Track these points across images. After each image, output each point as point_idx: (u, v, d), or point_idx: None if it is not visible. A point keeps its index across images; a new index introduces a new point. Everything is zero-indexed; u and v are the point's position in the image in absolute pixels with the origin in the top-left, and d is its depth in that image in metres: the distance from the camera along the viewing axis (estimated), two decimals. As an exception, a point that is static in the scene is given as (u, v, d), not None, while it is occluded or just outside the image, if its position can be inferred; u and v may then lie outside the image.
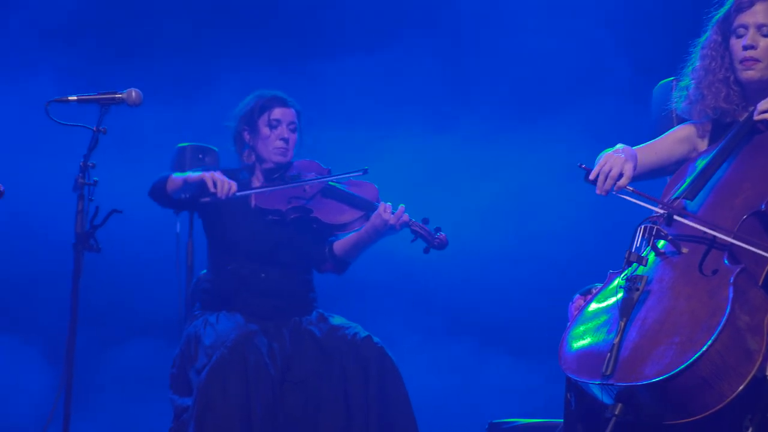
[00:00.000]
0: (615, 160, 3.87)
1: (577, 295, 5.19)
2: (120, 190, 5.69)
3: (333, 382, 4.93)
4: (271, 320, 5.06)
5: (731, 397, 3.41)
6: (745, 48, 3.93)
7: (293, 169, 5.26)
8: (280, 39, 7.65)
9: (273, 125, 5.22)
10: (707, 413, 3.42)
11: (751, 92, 3.97)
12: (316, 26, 7.68)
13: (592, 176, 3.88)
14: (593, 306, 3.77)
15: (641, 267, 3.69)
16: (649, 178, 4.12)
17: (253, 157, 5.28)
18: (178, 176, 5.09)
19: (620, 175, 3.84)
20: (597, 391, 3.55)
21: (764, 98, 3.88)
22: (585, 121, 7.23)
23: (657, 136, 4.16)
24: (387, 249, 5.50)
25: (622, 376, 3.46)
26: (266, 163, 5.25)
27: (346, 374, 4.93)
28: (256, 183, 5.27)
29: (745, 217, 3.67)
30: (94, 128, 4.63)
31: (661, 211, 3.78)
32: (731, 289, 3.48)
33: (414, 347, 7.14)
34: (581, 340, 3.67)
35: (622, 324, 3.54)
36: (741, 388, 3.40)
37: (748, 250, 3.60)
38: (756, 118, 3.85)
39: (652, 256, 3.73)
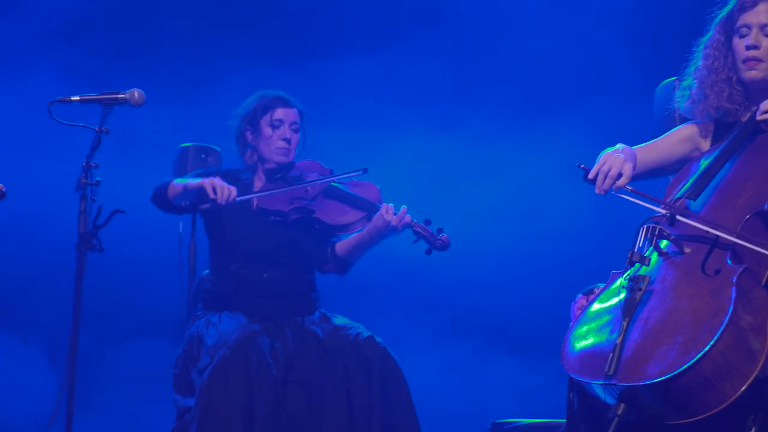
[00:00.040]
0: (614, 160, 3.87)
1: (580, 295, 5.19)
2: (123, 190, 5.70)
3: (335, 382, 4.93)
4: (274, 320, 5.06)
5: (734, 398, 3.41)
6: (748, 48, 3.93)
7: (295, 170, 5.25)
8: (282, 39, 7.65)
9: (275, 125, 5.22)
10: (710, 413, 3.42)
11: (754, 92, 3.97)
12: (318, 26, 7.68)
13: (591, 176, 3.89)
14: (596, 306, 3.77)
15: (644, 267, 3.70)
16: (651, 177, 4.12)
17: (256, 157, 5.28)
18: (178, 183, 5.08)
19: (619, 175, 3.85)
20: (600, 391, 3.55)
21: (767, 98, 3.88)
22: (587, 121, 7.22)
23: (659, 136, 4.16)
24: (389, 248, 5.49)
25: (625, 376, 3.46)
26: (268, 163, 5.25)
27: (349, 374, 4.93)
28: (258, 183, 5.27)
29: (748, 216, 3.67)
30: (97, 128, 4.63)
31: (664, 211, 3.78)
32: (734, 289, 3.48)
33: (417, 347, 7.13)
34: (584, 340, 3.67)
35: (625, 324, 3.55)
36: (744, 388, 3.40)
37: (751, 250, 3.60)
38: (759, 118, 3.85)
39: (654, 256, 3.73)
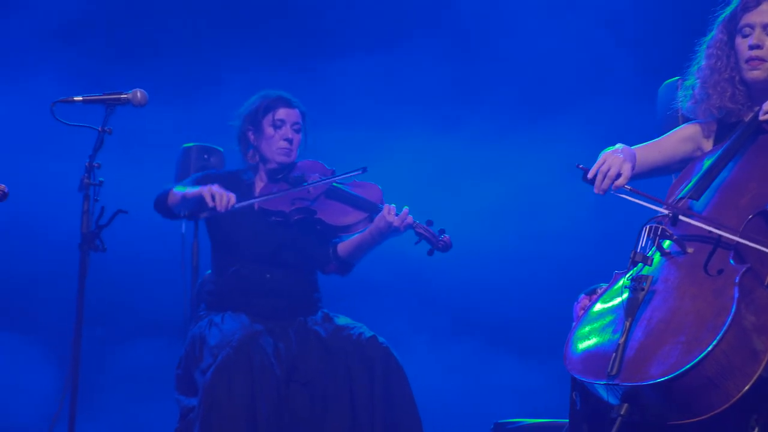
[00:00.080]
0: (613, 160, 3.87)
1: (582, 295, 5.18)
2: (125, 190, 5.70)
3: (338, 382, 4.93)
4: (276, 320, 5.06)
5: (737, 397, 3.41)
6: (751, 47, 3.93)
7: (297, 170, 5.25)
8: (282, 39, 7.65)
9: (277, 125, 5.22)
10: (713, 413, 3.42)
11: (757, 92, 3.97)
12: (319, 26, 7.68)
13: (590, 175, 3.89)
14: (598, 306, 3.77)
15: (646, 267, 3.70)
16: (653, 176, 4.12)
17: (257, 157, 5.28)
18: (178, 191, 5.07)
19: (618, 175, 3.85)
20: (602, 392, 3.55)
21: (770, 98, 3.89)
22: (587, 121, 7.22)
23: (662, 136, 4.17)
24: (392, 249, 5.49)
25: (628, 376, 3.46)
26: (270, 164, 5.25)
27: (352, 374, 4.93)
28: (259, 183, 5.27)
29: (750, 216, 3.67)
30: (100, 128, 4.64)
31: (666, 211, 3.78)
32: (737, 288, 3.48)
33: (419, 347, 7.13)
34: (586, 340, 3.67)
35: (628, 324, 3.55)
36: (747, 388, 3.40)
37: (754, 249, 3.60)
38: (761, 118, 3.85)
39: (657, 256, 3.73)
